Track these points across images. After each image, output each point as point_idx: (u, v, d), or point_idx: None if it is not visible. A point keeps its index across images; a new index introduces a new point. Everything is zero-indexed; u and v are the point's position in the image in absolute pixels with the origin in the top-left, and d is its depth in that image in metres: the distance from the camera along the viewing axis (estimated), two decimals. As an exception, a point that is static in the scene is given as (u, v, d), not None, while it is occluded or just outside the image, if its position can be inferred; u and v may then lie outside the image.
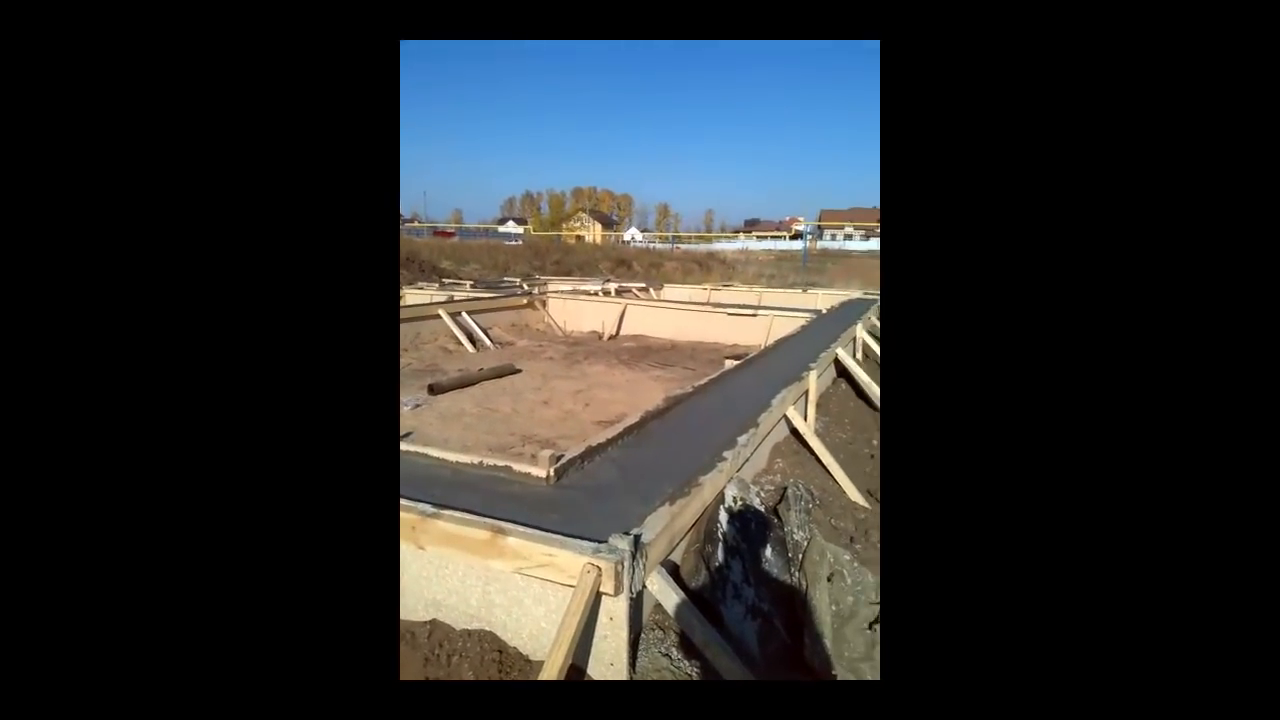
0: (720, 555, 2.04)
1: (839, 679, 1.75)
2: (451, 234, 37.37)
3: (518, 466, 2.18)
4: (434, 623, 1.79)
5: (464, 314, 7.04)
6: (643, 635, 1.73)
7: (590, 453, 2.36)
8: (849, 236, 57.06)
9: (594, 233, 59.20)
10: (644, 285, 11.55)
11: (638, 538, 1.62)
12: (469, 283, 10.34)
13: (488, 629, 1.74)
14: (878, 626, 2.06)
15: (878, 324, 7.57)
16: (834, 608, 2.11)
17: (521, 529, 1.64)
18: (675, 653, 1.71)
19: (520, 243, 28.65)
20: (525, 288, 9.60)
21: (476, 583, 1.74)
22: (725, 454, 2.43)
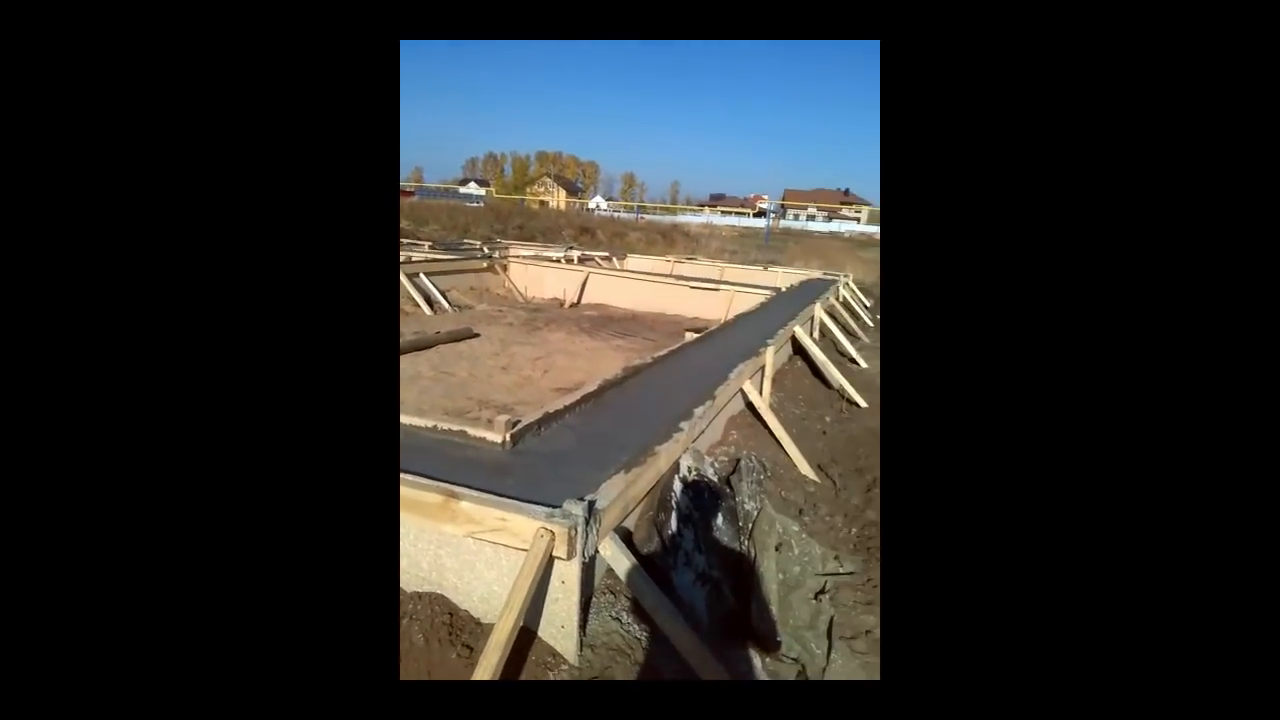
0: (673, 523, 2.08)
1: (839, 679, 1.76)
2: (411, 193, 36.14)
3: (473, 431, 2.16)
4: (383, 584, 1.77)
5: (421, 275, 6.87)
6: (594, 599, 1.75)
7: (547, 419, 2.35)
8: (811, 217, 57.60)
9: (558, 199, 58.23)
10: (607, 254, 11.44)
11: (592, 503, 1.63)
12: (428, 244, 10.02)
13: (439, 592, 1.73)
14: (824, 597, 2.13)
15: (836, 304, 7.70)
16: (780, 576, 2.18)
17: (474, 493, 1.63)
18: (625, 616, 1.74)
19: (482, 205, 27.95)
20: (486, 251, 9.40)
21: (428, 546, 1.72)
22: (682, 425, 2.45)
